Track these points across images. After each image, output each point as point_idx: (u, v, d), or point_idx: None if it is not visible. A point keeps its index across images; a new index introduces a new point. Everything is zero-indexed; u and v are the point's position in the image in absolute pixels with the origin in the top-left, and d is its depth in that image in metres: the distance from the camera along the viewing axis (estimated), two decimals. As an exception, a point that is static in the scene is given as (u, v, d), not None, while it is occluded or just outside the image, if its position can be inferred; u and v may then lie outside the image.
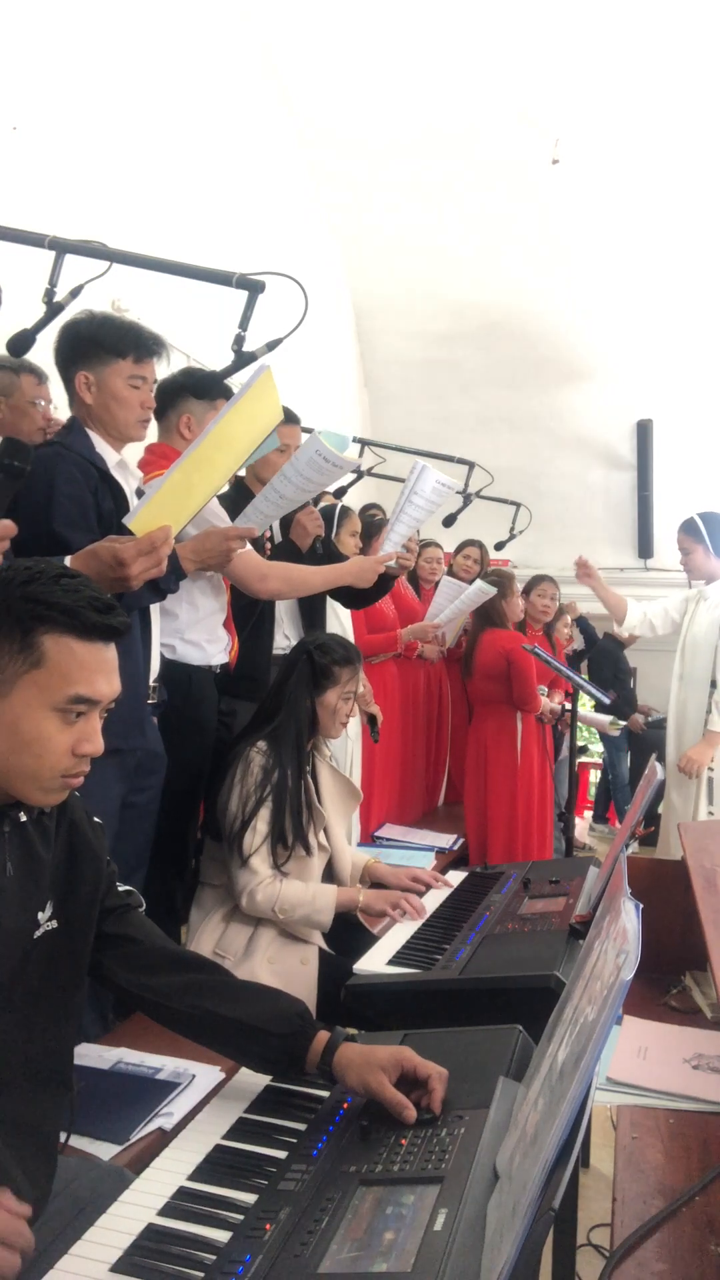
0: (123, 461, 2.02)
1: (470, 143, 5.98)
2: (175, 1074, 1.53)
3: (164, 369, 2.16)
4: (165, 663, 2.19)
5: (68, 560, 1.56)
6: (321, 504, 3.30)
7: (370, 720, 3.38)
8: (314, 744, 2.27)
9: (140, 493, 2.02)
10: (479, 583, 3.97)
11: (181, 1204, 1.04)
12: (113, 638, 1.08)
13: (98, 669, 1.06)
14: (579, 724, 4.66)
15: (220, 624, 2.41)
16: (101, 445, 1.97)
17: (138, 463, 2.26)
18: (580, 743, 5.93)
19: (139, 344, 1.95)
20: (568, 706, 4.08)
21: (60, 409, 2.32)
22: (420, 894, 2.33)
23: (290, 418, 2.63)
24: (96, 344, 1.93)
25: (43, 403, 2.49)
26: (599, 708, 4.45)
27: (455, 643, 4.46)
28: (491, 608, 4.07)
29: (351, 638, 3.27)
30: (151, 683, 2.07)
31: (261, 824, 2.07)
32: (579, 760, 5.17)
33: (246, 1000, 1.24)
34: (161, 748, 2.10)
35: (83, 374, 1.94)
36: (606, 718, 5.60)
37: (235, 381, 2.19)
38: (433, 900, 2.24)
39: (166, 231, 3.89)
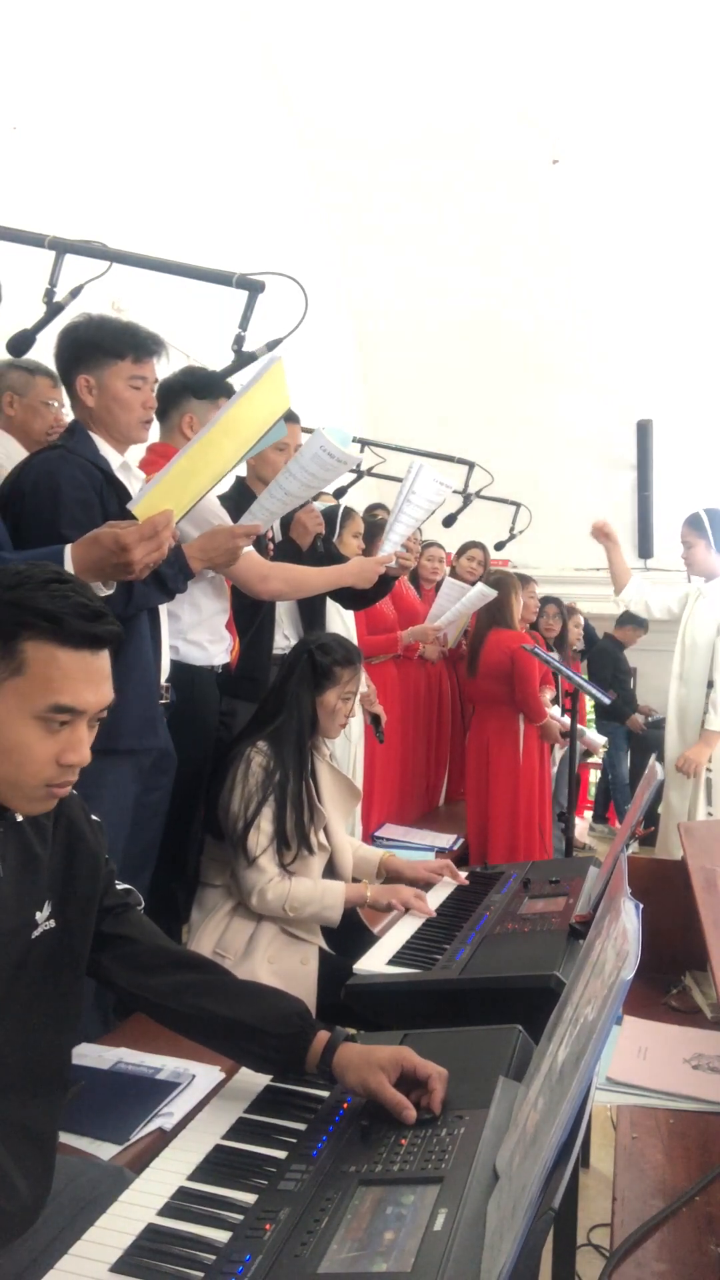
0: (126, 464, 2.01)
1: (470, 143, 5.99)
2: (175, 1074, 1.53)
3: (164, 369, 2.16)
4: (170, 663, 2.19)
5: (68, 548, 1.53)
6: (323, 505, 3.30)
7: (374, 720, 3.38)
8: (313, 743, 2.27)
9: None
10: (480, 585, 3.98)
11: (181, 1204, 1.03)
12: (100, 646, 1.04)
13: (82, 678, 1.02)
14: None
15: (223, 624, 2.41)
16: (105, 448, 1.96)
17: (139, 463, 2.26)
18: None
19: (137, 344, 1.94)
20: (568, 718, 4.10)
21: (71, 414, 2.34)
22: (436, 883, 2.33)
23: (291, 417, 2.63)
24: (95, 346, 1.92)
25: (55, 404, 2.50)
26: (598, 709, 4.47)
27: (456, 644, 4.47)
28: (498, 607, 4.07)
29: (355, 638, 3.27)
30: (163, 682, 2.07)
31: (265, 824, 2.07)
32: (579, 760, 5.18)
33: (246, 1000, 1.24)
34: (172, 747, 2.10)
35: (83, 377, 1.93)
36: (601, 739, 5.63)
37: (237, 380, 2.20)
38: (433, 900, 2.24)
39: (166, 231, 3.89)
